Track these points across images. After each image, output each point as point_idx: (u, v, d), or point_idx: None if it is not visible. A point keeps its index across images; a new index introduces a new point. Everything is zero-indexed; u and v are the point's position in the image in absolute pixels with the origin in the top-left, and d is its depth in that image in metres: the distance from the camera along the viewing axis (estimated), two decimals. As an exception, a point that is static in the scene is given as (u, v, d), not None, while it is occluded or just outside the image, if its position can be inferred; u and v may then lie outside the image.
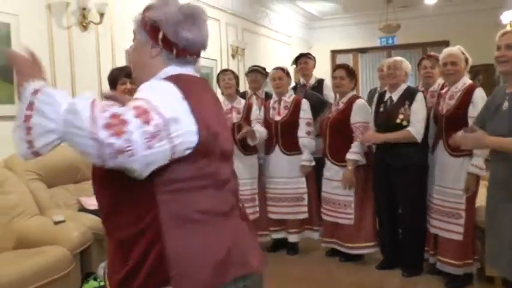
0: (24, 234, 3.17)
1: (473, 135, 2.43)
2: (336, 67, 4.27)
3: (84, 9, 4.33)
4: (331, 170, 4.05)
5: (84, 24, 4.39)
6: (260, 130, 4.18)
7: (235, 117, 4.26)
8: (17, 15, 3.75)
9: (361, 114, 3.94)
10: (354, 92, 4.19)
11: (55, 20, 4.16)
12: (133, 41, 1.48)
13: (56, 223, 3.16)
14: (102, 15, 4.46)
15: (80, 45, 4.41)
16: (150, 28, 1.41)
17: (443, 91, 3.65)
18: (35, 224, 3.25)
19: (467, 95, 3.37)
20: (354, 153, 3.86)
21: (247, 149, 4.23)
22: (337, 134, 3.97)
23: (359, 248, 4.01)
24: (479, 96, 3.34)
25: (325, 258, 4.27)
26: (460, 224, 3.40)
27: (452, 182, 3.42)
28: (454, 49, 3.54)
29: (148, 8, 1.44)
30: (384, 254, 3.96)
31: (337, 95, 4.19)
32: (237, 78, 4.44)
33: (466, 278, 3.49)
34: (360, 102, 4.02)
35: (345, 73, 4.05)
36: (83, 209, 3.63)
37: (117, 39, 4.85)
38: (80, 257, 3.20)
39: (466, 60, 3.52)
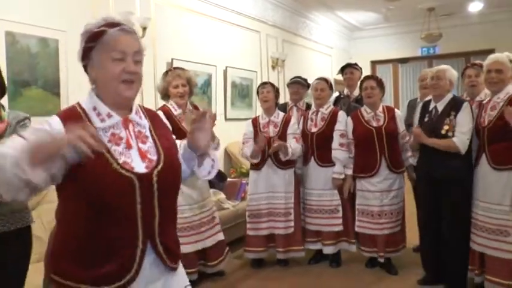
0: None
1: None
2: (364, 78, 4.21)
3: (127, 23, 4.47)
4: (387, 181, 4.01)
5: (128, 38, 4.53)
6: (294, 146, 4.16)
7: (272, 131, 4.24)
8: (64, 31, 3.92)
9: (402, 122, 4.11)
10: (383, 103, 4.23)
11: (100, 34, 4.31)
12: (139, 59, 1.55)
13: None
14: (144, 29, 4.59)
15: (123, 58, 4.54)
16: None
17: (485, 101, 3.49)
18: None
19: (510, 105, 3.18)
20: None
21: (282, 162, 4.20)
22: (394, 143, 3.97)
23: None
24: None
25: (365, 270, 4.21)
26: (509, 241, 3.22)
27: (498, 197, 3.24)
28: (502, 56, 3.34)
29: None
30: (426, 269, 3.85)
31: (365, 106, 4.14)
32: (276, 91, 4.39)
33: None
34: (398, 111, 4.13)
35: (375, 83, 4.06)
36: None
37: (159, 52, 4.98)
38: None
39: None
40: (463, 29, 9.05)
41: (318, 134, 4.22)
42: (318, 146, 4.23)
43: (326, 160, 4.20)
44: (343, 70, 5.10)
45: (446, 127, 3.48)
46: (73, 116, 1.47)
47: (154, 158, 1.53)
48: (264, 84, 4.48)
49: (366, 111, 4.11)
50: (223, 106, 6.08)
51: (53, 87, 3.82)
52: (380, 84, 4.10)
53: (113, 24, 1.49)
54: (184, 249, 3.63)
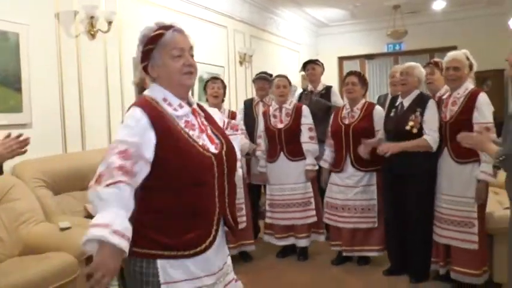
0: (30, 240, 3.19)
1: (476, 138, 2.41)
2: (347, 74, 4.25)
3: (92, 17, 4.37)
4: (354, 178, 4.03)
5: (92, 32, 4.43)
6: (243, 142, 4.17)
7: None
8: (26, 24, 3.80)
9: (382, 121, 4.00)
10: (366, 99, 4.24)
11: (63, 28, 4.20)
12: (193, 54, 1.79)
13: (62, 229, 3.18)
14: (110, 23, 4.50)
15: (88, 53, 4.45)
16: None
17: (444, 97, 3.59)
18: (41, 231, 3.26)
19: (470, 101, 3.33)
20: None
21: None
22: (361, 142, 3.92)
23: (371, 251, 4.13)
24: (484, 101, 3.30)
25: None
26: (474, 232, 3.33)
27: (462, 190, 3.36)
28: (458, 54, 3.46)
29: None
30: (391, 260, 3.95)
31: (347, 102, 4.17)
32: (224, 88, 4.41)
33: (473, 284, 3.44)
34: (380, 109, 4.09)
35: (357, 79, 4.08)
36: (89, 216, 3.66)
37: (125, 47, 4.89)
38: (86, 263, 3.21)
39: (471, 66, 3.44)
40: (427, 26, 9.23)
41: (286, 130, 4.26)
42: (287, 141, 4.26)
43: (296, 154, 4.25)
44: (305, 66, 5.15)
45: (411, 123, 3.56)
46: (148, 103, 1.70)
47: (218, 141, 1.79)
48: (214, 79, 4.46)
49: (345, 107, 4.16)
50: (190, 102, 6.02)
51: (14, 82, 3.70)
52: (362, 80, 4.12)
53: (167, 27, 1.75)
54: None
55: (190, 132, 1.71)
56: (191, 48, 1.78)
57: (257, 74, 5.04)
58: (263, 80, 4.89)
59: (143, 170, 1.60)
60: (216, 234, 1.71)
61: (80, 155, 4.15)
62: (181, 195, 1.66)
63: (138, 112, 1.65)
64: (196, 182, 1.67)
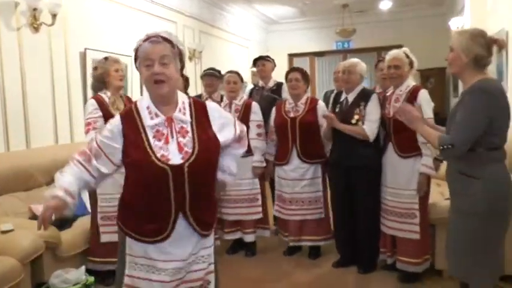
0: (-31, 244, 3.04)
1: (412, 114, 2.55)
2: (290, 70, 4.29)
3: (35, 9, 4.20)
4: (300, 170, 4.09)
5: (36, 25, 4.26)
6: None
7: None
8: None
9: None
10: (309, 94, 4.30)
11: (3, 20, 4.02)
12: (167, 62, 1.89)
13: (4, 232, 3.05)
14: (54, 16, 4.34)
15: (31, 47, 4.28)
16: (180, 57, 1.99)
17: (388, 94, 3.70)
18: (-19, 234, 3.11)
19: (412, 97, 3.43)
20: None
21: None
22: (308, 134, 4.02)
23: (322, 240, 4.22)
24: (424, 98, 3.41)
25: (282, 257, 4.32)
26: (416, 223, 3.47)
27: (405, 183, 3.48)
28: (399, 52, 3.55)
29: (174, 40, 1.96)
30: (340, 253, 4.03)
31: (289, 97, 4.22)
32: (186, 81, 4.35)
33: (418, 272, 3.58)
34: (323, 104, 4.17)
35: (300, 76, 4.13)
36: (34, 217, 3.52)
37: (71, 40, 4.74)
38: (31, 266, 3.09)
39: (411, 63, 3.55)
40: (374, 25, 9.50)
41: None
42: None
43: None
44: (255, 62, 5.16)
45: (356, 117, 3.67)
46: (129, 114, 1.94)
47: (190, 150, 1.89)
48: None
49: (288, 102, 4.20)
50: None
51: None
52: (305, 76, 4.17)
53: (148, 38, 1.92)
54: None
55: (155, 143, 1.87)
56: (163, 56, 1.88)
57: (205, 70, 4.98)
58: (211, 76, 4.84)
59: (105, 166, 1.92)
60: (173, 229, 1.90)
61: (23, 153, 4.00)
62: (140, 193, 1.90)
63: (117, 118, 1.94)
64: (149, 190, 1.88)
